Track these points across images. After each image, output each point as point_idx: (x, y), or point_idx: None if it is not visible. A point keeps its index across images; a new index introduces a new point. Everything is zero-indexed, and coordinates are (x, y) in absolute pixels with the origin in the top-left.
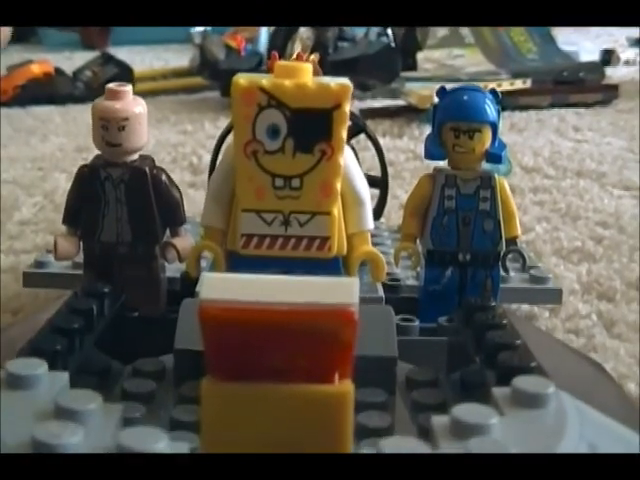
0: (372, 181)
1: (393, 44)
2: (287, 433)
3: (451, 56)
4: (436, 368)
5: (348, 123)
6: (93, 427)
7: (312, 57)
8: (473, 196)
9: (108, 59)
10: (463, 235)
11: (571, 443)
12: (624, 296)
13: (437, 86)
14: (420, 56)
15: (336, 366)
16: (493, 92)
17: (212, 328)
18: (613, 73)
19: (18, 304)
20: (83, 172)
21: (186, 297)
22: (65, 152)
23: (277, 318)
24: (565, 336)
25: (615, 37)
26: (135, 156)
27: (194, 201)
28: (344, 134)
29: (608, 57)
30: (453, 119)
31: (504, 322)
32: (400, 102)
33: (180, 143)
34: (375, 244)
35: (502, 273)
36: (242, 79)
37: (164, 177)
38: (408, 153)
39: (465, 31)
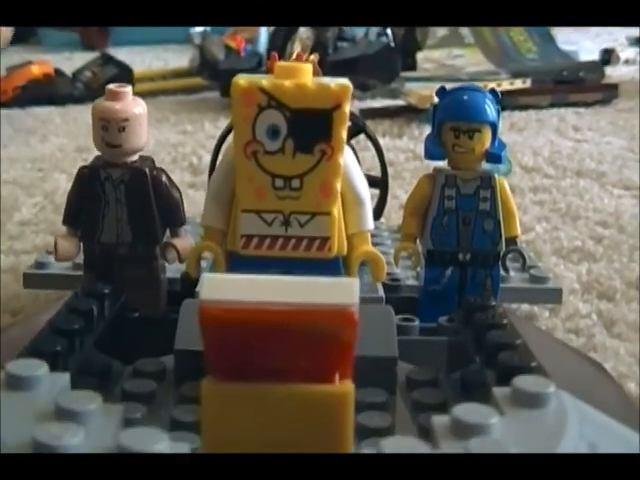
0: (372, 181)
1: (393, 44)
2: (288, 433)
3: (451, 56)
4: (436, 368)
5: (348, 123)
6: (94, 428)
7: (312, 57)
8: (473, 196)
9: (108, 60)
10: (463, 235)
11: (571, 443)
12: (624, 296)
13: (437, 86)
14: (420, 56)
15: (336, 366)
16: (493, 92)
17: (212, 328)
18: (613, 72)
19: (18, 305)
20: (83, 173)
21: (186, 298)
22: (65, 153)
23: (277, 318)
24: (565, 336)
25: (615, 36)
26: (135, 157)
27: (194, 202)
28: (344, 134)
29: (608, 56)
30: (453, 119)
31: (504, 322)
32: (400, 102)
33: (180, 143)
34: (375, 244)
35: (502, 273)
36: (242, 80)
37: (164, 178)
38: (408, 153)
39: (465, 31)
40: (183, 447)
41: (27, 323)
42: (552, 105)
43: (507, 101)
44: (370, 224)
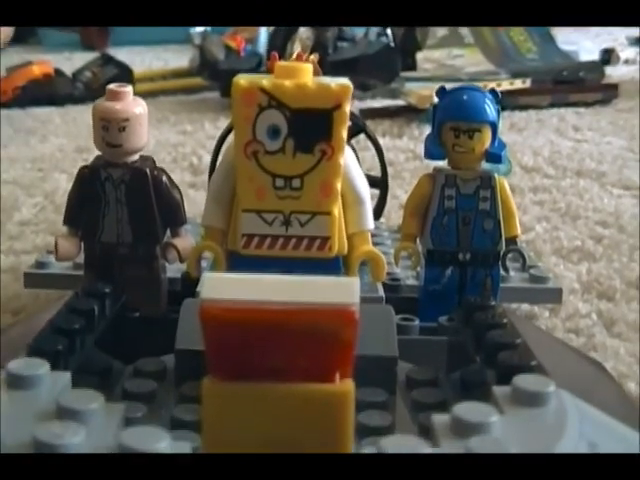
0: (372, 181)
1: (393, 44)
2: (288, 432)
3: (451, 56)
4: (436, 367)
5: (348, 123)
6: (95, 427)
7: (312, 57)
8: (473, 196)
9: (108, 60)
10: (463, 235)
11: (571, 442)
12: (624, 295)
13: (437, 86)
14: (420, 56)
15: (337, 366)
16: (493, 92)
17: (213, 328)
18: (613, 72)
19: (19, 304)
20: (84, 173)
21: (187, 297)
22: (65, 153)
23: (278, 318)
24: (565, 335)
25: (615, 36)
26: (135, 157)
27: (194, 201)
28: (344, 134)
29: (608, 56)
30: (453, 119)
31: (504, 321)
32: (400, 102)
33: (180, 143)
34: (375, 244)
35: (502, 272)
36: (242, 80)
37: (164, 178)
38: (408, 153)
39: (465, 31)
40: (184, 446)
41: (28, 323)
42: (552, 105)
43: (507, 101)
44: (370, 224)
